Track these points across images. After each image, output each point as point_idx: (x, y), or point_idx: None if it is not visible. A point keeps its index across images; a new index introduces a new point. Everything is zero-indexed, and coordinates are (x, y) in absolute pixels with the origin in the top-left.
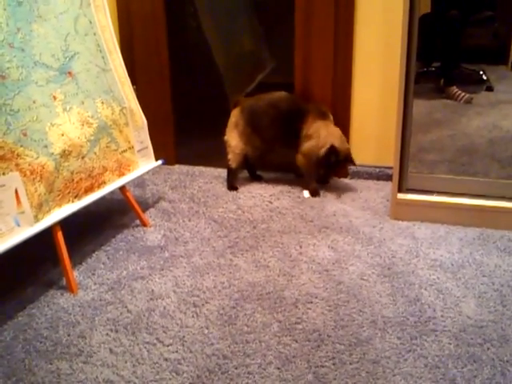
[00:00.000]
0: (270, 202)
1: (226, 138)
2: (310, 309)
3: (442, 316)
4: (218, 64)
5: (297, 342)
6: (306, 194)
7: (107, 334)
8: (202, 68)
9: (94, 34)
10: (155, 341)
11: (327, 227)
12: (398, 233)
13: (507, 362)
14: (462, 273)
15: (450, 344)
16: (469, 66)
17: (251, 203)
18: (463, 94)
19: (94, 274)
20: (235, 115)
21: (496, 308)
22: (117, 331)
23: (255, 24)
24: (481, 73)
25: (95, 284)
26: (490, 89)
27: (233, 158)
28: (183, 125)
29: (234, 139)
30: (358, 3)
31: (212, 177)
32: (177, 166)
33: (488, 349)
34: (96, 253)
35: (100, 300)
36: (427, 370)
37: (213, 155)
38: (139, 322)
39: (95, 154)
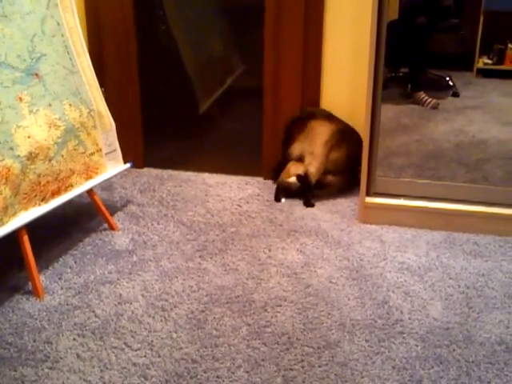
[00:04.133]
0: (239, 206)
1: (312, 150)
2: (278, 312)
3: (409, 318)
4: (187, 67)
5: (266, 345)
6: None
7: (74, 339)
8: (171, 71)
9: (62, 36)
10: (123, 345)
11: (296, 231)
12: (366, 236)
13: (472, 362)
14: (429, 275)
15: (417, 346)
16: (436, 71)
17: (220, 207)
18: (430, 99)
19: (60, 279)
20: (327, 132)
21: (462, 310)
22: (84, 336)
23: (225, 28)
24: (447, 79)
25: (62, 288)
26: (456, 94)
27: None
28: (152, 128)
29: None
30: (327, 10)
31: (181, 180)
32: (145, 170)
33: (454, 350)
34: (63, 257)
35: (67, 305)
36: (395, 371)
37: (182, 158)
38: (107, 326)
39: (62, 156)
